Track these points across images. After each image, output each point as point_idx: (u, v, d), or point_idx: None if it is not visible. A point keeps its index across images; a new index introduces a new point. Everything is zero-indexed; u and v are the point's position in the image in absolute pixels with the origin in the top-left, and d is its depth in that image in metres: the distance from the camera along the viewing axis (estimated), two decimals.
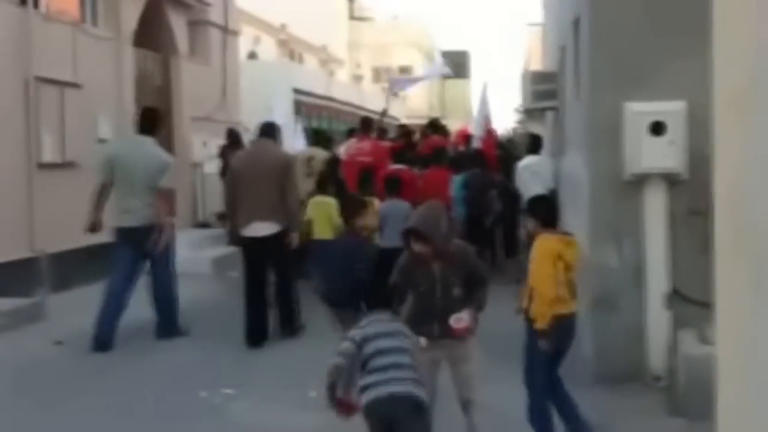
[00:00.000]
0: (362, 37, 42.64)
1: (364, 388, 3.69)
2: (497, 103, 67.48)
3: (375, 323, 3.83)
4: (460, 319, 4.31)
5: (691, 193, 5.62)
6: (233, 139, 12.50)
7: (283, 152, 7.82)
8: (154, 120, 7.36)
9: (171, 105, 12.56)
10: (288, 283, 7.33)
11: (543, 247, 4.42)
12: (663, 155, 5.62)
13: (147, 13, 11.78)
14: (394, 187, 8.16)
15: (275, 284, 7.29)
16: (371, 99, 28.97)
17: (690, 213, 5.66)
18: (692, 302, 5.57)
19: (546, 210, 4.66)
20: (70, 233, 9.35)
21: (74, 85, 9.60)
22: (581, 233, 6.50)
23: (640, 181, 5.75)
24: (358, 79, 37.17)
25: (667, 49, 5.66)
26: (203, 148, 13.15)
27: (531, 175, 10.71)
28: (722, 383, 1.85)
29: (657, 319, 5.78)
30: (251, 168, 7.08)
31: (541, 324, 4.33)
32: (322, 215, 8.53)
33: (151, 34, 12.30)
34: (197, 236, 12.01)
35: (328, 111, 21.50)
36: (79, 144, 9.69)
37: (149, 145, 7.17)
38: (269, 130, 7.57)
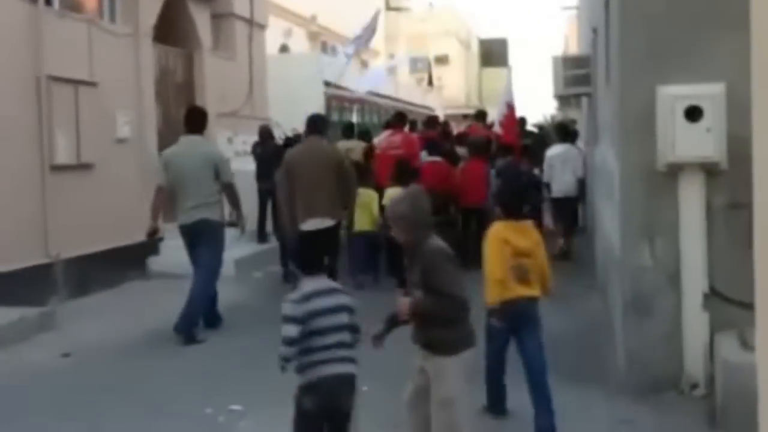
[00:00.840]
0: (399, 27, 42.18)
1: (306, 366, 3.62)
2: (536, 90, 66.46)
3: (316, 297, 3.66)
4: (402, 302, 3.84)
5: (731, 185, 5.15)
6: (265, 135, 12.24)
7: (336, 148, 8.10)
8: (201, 118, 7.51)
9: (195, 101, 12.29)
10: (335, 276, 7.07)
11: (491, 233, 4.80)
12: (700, 143, 5.13)
13: (168, 8, 11.53)
14: (410, 176, 8.39)
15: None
16: (407, 90, 28.53)
17: (730, 206, 5.19)
18: (732, 303, 5.11)
19: (508, 200, 4.93)
20: (86, 237, 9.19)
21: (89, 84, 9.37)
22: (614, 230, 6.05)
23: (675, 171, 5.28)
24: (392, 70, 36.74)
25: (704, 26, 5.18)
26: (228, 144, 12.87)
27: (561, 164, 10.91)
28: (764, 392, 1.66)
29: (694, 322, 5.31)
30: (307, 164, 7.36)
31: (489, 302, 4.66)
32: (363, 207, 8.66)
33: (172, 29, 12.05)
34: None
35: (361, 103, 21.11)
36: (96, 145, 9.47)
37: (202, 143, 7.42)
38: (320, 126, 7.83)
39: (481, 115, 14.12)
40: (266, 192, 11.33)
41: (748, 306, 5.34)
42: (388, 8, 42.58)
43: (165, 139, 11.33)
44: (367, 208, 9.16)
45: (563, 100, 17.03)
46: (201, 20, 12.37)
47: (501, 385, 5.07)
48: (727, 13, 5.07)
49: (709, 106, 5.11)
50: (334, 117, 19.61)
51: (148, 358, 6.73)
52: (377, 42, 35.86)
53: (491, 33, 62.58)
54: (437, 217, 4.82)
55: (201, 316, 7.36)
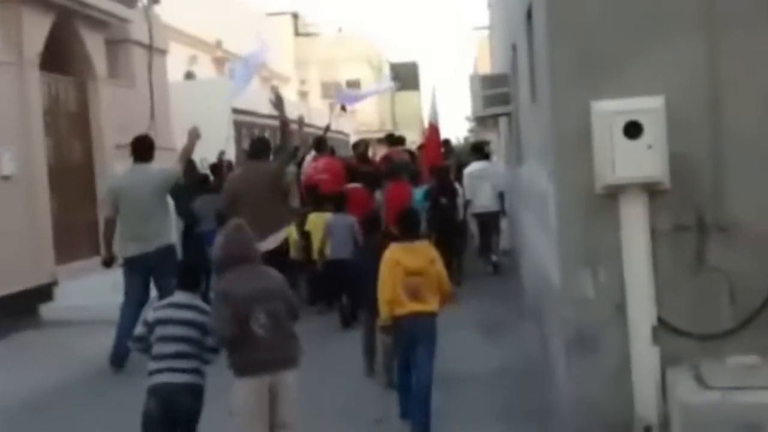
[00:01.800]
0: (309, 53, 41.83)
1: (150, 372, 4.22)
2: (447, 112, 66.97)
3: (169, 308, 4.32)
4: None
5: (675, 205, 4.72)
6: (189, 167, 11.29)
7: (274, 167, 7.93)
8: (147, 147, 7.44)
9: (90, 133, 11.46)
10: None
11: (385, 255, 5.24)
12: (641, 161, 4.69)
13: (56, 33, 10.68)
14: (340, 203, 8.87)
15: None
16: (319, 116, 27.98)
17: (675, 228, 4.77)
18: (684, 335, 4.68)
19: (404, 223, 5.40)
20: None
21: None
22: (550, 257, 5.57)
23: (615, 193, 4.82)
24: (304, 95, 36.19)
25: (639, 36, 4.77)
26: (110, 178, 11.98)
27: (479, 180, 11.32)
28: None
29: (644, 357, 4.83)
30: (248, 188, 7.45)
31: (381, 320, 5.25)
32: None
33: (62, 55, 11.19)
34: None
35: (273, 129, 20.40)
36: None
37: (150, 170, 7.35)
38: (264, 150, 8.03)
39: (399, 141, 14.11)
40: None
41: (701, 338, 4.98)
42: (297, 34, 42.22)
43: (58, 173, 10.46)
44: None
45: (480, 121, 16.76)
46: (94, 46, 11.53)
47: (407, 390, 5.35)
48: (664, 22, 4.69)
49: (649, 121, 4.68)
50: (245, 144, 18.87)
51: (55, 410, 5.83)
52: (287, 68, 35.34)
53: (401, 57, 62.88)
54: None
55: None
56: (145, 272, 7.16)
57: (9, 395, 6.61)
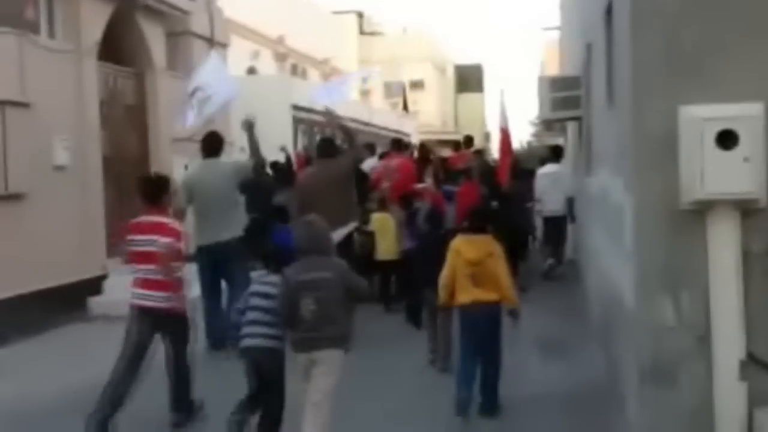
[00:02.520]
0: (372, 52, 41.57)
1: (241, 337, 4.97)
2: (510, 115, 66.32)
3: (257, 283, 5.05)
4: None
5: None
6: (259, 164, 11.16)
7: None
8: (217, 143, 7.78)
9: (147, 125, 11.27)
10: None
11: (450, 245, 5.73)
12: (734, 176, 4.17)
13: (115, 23, 10.52)
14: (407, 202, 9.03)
15: None
16: (381, 115, 27.66)
17: None
18: None
19: (471, 217, 5.92)
20: (14, 277, 8.08)
21: (20, 104, 8.30)
22: (624, 278, 5.06)
23: (703, 210, 4.31)
24: (365, 94, 35.92)
25: (737, 34, 4.25)
26: (184, 171, 11.79)
27: (551, 184, 11.30)
28: None
29: (728, 394, 4.32)
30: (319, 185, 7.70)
31: (439, 302, 5.86)
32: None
33: (121, 46, 11.04)
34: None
35: (332, 128, 20.13)
36: (28, 172, 8.38)
37: (220, 165, 7.67)
38: (331, 149, 8.24)
39: (468, 141, 14.48)
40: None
41: None
42: (362, 33, 42.02)
43: (113, 165, 10.30)
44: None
45: (545, 125, 16.16)
46: (153, 38, 11.35)
47: (470, 374, 5.61)
48: (764, 19, 4.17)
49: (746, 130, 4.16)
50: (303, 141, 18.64)
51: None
52: (350, 66, 35.14)
53: (466, 58, 62.24)
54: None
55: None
56: (213, 261, 7.41)
57: (50, 392, 6.39)
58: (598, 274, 7.24)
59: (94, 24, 9.80)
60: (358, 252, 8.58)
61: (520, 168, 12.53)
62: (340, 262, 4.94)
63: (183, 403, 5.58)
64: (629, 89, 4.62)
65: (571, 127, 12.48)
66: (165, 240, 5.29)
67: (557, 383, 6.37)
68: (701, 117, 4.21)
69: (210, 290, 7.51)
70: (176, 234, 5.37)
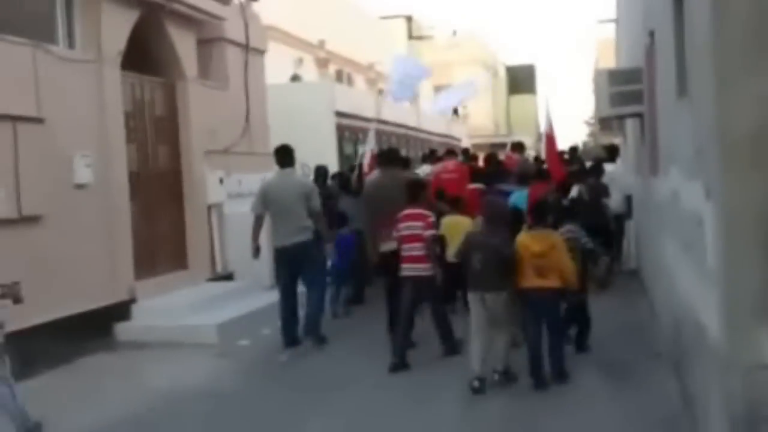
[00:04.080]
0: (423, 56, 40.84)
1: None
2: (565, 116, 64.69)
3: None
4: None
5: None
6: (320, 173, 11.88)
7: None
8: (288, 154, 8.32)
9: (178, 137, 10.69)
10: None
11: (517, 240, 6.44)
12: None
13: (142, 31, 9.97)
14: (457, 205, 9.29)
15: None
16: (430, 120, 26.86)
17: None
18: None
19: (534, 213, 6.64)
20: (36, 305, 7.51)
21: (34, 120, 7.77)
22: (706, 305, 4.19)
23: None
24: (414, 99, 35.22)
25: None
26: (220, 186, 11.20)
27: (609, 182, 11.19)
28: None
29: None
30: (381, 194, 8.23)
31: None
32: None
33: (150, 55, 10.49)
34: (208, 293, 10.04)
35: (378, 134, 19.45)
36: (45, 192, 7.85)
37: (294, 175, 8.42)
38: (395, 159, 8.86)
39: (519, 146, 14.53)
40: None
41: None
42: (411, 37, 41.37)
43: (141, 181, 9.76)
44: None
45: (603, 123, 15.17)
46: (184, 45, 10.77)
47: (538, 351, 6.43)
48: None
49: None
50: (348, 149, 17.98)
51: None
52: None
53: (518, 59, 61.02)
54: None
55: (320, 324, 8.27)
56: (287, 263, 8.08)
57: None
58: (669, 291, 6.34)
59: (118, 32, 9.24)
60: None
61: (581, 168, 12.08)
62: (504, 235, 6.43)
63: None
64: (710, 74, 3.77)
65: (631, 124, 11.53)
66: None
67: (624, 420, 5.51)
68: None
69: (285, 290, 8.12)
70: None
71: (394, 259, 7.56)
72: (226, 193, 11.40)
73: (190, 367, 7.83)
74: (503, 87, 49.49)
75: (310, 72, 21.39)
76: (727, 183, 3.65)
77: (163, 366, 7.95)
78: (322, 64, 21.20)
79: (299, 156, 13.13)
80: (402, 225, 7.33)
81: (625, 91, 8.56)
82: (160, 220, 10.24)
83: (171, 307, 9.29)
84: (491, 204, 6.88)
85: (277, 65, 17.26)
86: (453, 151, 13.40)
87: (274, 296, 10.53)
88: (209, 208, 11.08)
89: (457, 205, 9.19)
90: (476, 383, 6.22)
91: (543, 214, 6.56)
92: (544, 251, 6.26)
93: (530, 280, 6.29)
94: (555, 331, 6.48)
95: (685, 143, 4.81)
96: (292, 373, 7.43)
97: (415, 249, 7.21)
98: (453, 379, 6.54)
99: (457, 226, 8.34)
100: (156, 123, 10.29)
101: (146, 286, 9.41)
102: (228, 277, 11.25)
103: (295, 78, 20.52)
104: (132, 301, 9.14)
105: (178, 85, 10.72)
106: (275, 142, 13.79)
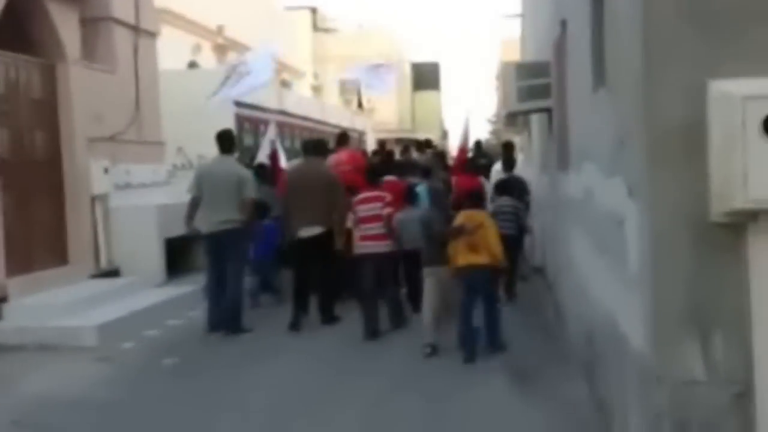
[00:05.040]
0: (327, 49, 40.38)
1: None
2: (466, 114, 65.63)
3: None
4: None
5: None
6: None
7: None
8: (229, 140, 8.42)
9: (58, 123, 9.84)
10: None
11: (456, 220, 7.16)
12: None
13: (18, 7, 9.10)
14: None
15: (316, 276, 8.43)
16: (334, 113, 26.36)
17: None
18: None
19: (470, 197, 7.46)
20: None
21: None
22: (628, 313, 3.88)
23: (744, 222, 3.17)
24: (317, 90, 34.67)
25: None
26: (104, 175, 10.40)
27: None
28: None
29: None
30: (303, 183, 8.40)
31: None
32: None
33: (25, 33, 9.60)
34: (90, 291, 9.27)
35: (281, 126, 18.79)
36: None
37: (231, 162, 8.40)
38: (322, 150, 9.03)
39: (427, 144, 15.06)
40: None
41: None
42: (316, 29, 40.81)
43: (14, 170, 8.89)
44: None
45: (508, 120, 15.03)
46: (65, 24, 9.91)
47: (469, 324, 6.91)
48: None
49: None
50: (248, 140, 17.27)
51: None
52: (304, 63, 33.78)
53: (423, 56, 61.30)
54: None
55: (240, 314, 8.22)
56: (215, 249, 8.10)
57: None
58: (579, 294, 6.07)
59: None
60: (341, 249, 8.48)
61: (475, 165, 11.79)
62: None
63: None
64: (636, 62, 3.44)
65: (537, 120, 11.36)
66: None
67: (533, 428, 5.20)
68: (741, 95, 3.06)
69: (213, 276, 8.17)
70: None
71: (309, 246, 8.09)
72: (113, 184, 10.61)
73: (67, 373, 7.11)
74: (408, 83, 49.43)
75: (209, 60, 20.54)
76: (653, 179, 3.33)
77: (36, 372, 7.17)
78: (220, 51, 20.37)
79: (199, 148, 12.59)
80: (361, 207, 7.90)
81: (533, 86, 8.31)
82: (36, 211, 9.38)
83: (47, 306, 8.49)
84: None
85: (173, 51, 16.38)
86: (345, 136, 12.14)
87: (164, 294, 9.97)
88: (93, 199, 10.27)
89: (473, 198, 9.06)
90: (428, 350, 6.93)
91: (476, 198, 7.39)
92: (475, 228, 6.87)
93: (466, 257, 6.85)
94: (490, 303, 7.01)
95: (603, 137, 4.50)
96: (181, 378, 6.83)
97: (374, 228, 7.80)
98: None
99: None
100: (33, 107, 9.42)
101: (19, 283, 8.58)
102: (114, 273, 10.48)
103: (192, 65, 19.63)
104: (2, 299, 8.31)
105: (59, 67, 9.86)
106: (169, 131, 13.20)
